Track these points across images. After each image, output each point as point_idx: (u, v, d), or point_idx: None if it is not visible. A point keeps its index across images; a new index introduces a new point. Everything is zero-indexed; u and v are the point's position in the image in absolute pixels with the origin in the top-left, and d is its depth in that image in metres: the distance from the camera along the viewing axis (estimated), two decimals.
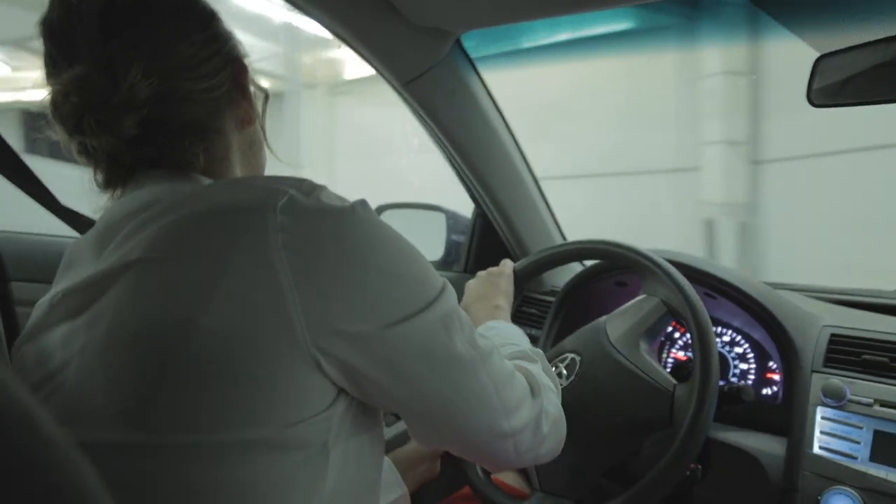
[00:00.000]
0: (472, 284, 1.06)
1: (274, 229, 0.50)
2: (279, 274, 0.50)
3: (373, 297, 0.53)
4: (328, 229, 0.52)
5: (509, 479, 1.09)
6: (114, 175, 0.63)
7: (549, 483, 0.96)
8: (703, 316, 0.95)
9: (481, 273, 1.08)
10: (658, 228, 4.34)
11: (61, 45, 0.58)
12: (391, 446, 1.17)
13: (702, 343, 0.92)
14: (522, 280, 1.14)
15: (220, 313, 0.49)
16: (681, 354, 1.31)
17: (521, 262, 1.15)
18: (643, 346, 1.00)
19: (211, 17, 0.64)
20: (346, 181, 6.10)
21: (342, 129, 6.68)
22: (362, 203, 0.56)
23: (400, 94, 1.29)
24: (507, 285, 1.05)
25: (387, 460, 0.96)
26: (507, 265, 1.11)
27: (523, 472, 1.02)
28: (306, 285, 0.50)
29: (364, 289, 0.53)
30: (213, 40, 0.63)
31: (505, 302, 1.01)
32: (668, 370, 0.98)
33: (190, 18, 0.62)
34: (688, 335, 1.29)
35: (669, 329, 1.33)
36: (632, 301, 1.06)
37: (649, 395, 0.93)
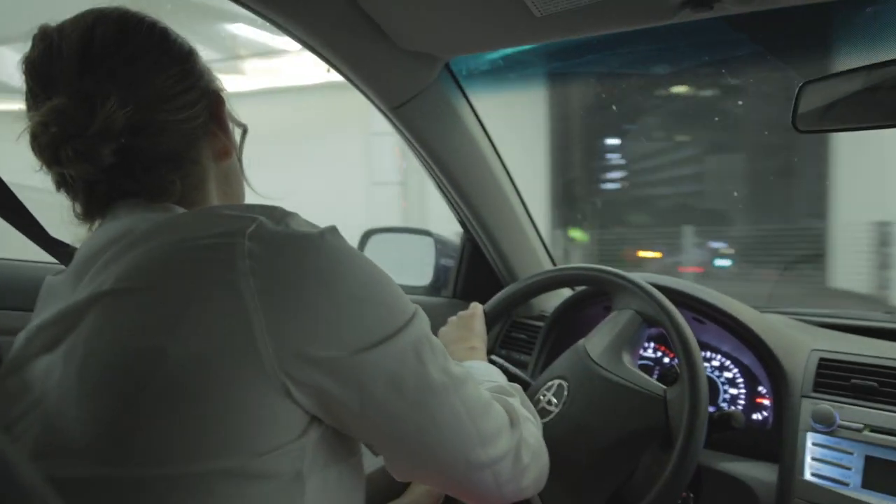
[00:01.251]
0: (445, 330, 1.09)
1: (241, 256, 0.51)
2: (246, 300, 0.50)
3: (341, 322, 0.53)
4: (296, 255, 0.53)
5: None
6: (91, 205, 0.63)
7: None
8: (677, 317, 0.95)
9: (452, 318, 1.11)
10: None
11: (41, 79, 0.60)
12: (377, 478, 1.14)
13: (682, 341, 0.92)
14: (494, 319, 1.16)
15: (189, 341, 0.48)
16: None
17: (491, 303, 1.18)
18: (626, 358, 1.00)
19: (188, 53, 0.66)
20: None
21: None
22: (332, 229, 0.56)
23: (388, 118, 1.29)
24: (479, 326, 1.08)
25: None
26: (478, 307, 1.13)
27: None
28: (273, 311, 0.50)
29: (332, 314, 0.53)
30: (189, 74, 0.64)
31: (480, 343, 1.04)
32: (656, 379, 0.97)
33: (167, 53, 0.63)
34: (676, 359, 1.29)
35: (658, 354, 1.33)
36: (606, 318, 1.07)
37: (642, 403, 0.93)
